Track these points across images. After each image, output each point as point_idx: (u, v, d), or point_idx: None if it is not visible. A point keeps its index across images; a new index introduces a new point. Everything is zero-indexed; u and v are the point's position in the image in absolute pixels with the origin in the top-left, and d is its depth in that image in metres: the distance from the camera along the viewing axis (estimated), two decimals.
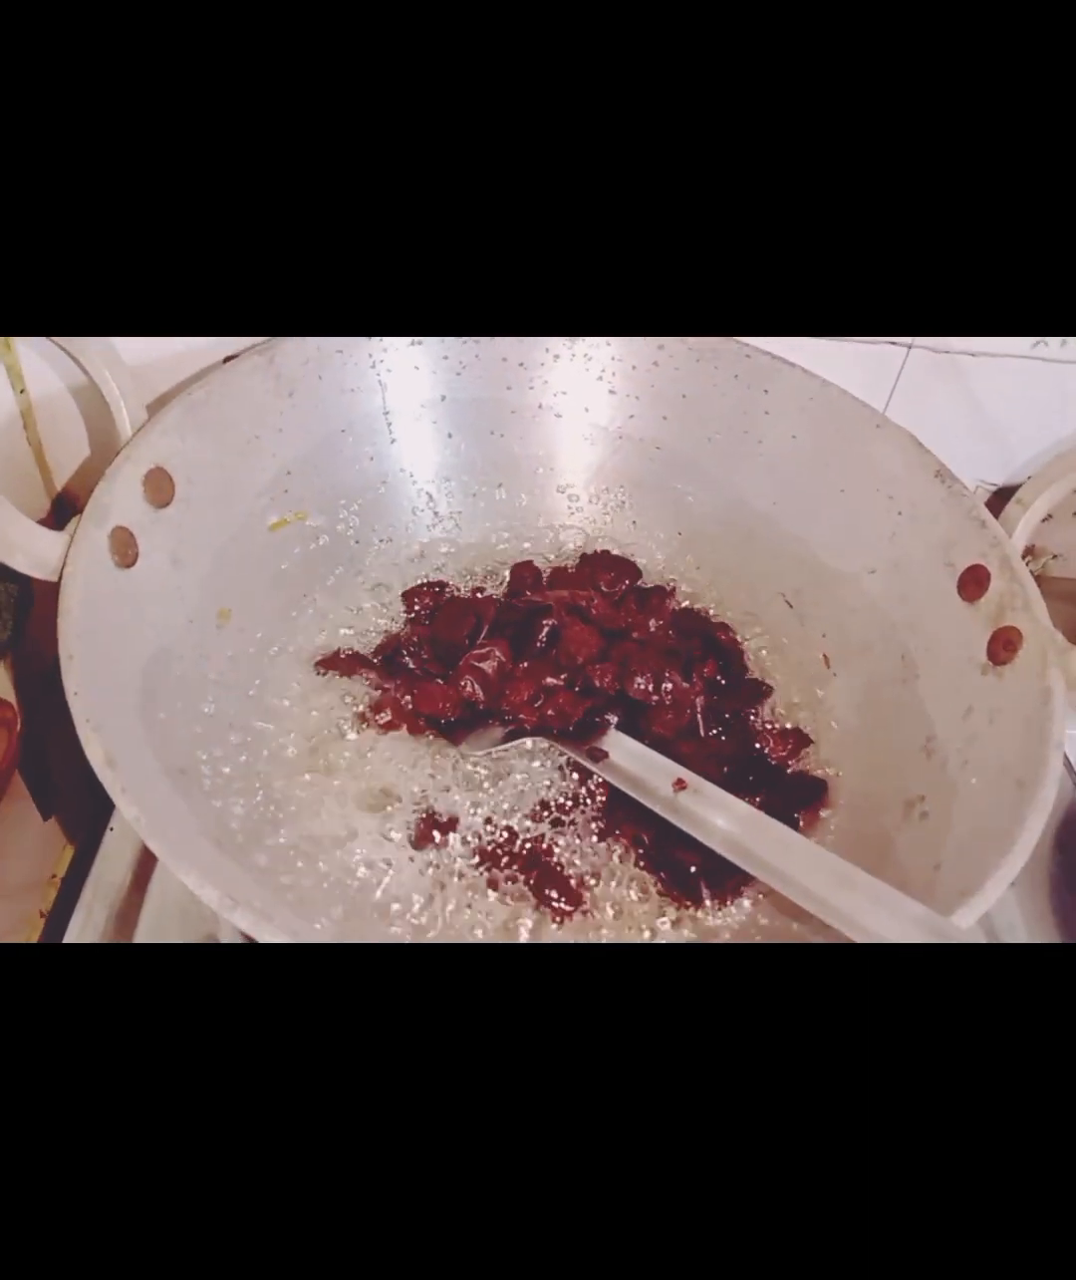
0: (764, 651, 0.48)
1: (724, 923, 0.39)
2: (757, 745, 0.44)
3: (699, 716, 0.44)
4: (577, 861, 0.40)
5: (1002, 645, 0.39)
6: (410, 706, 0.43)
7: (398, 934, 0.37)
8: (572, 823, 0.41)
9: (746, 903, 0.39)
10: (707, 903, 0.39)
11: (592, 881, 0.40)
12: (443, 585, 0.49)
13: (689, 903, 0.39)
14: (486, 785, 0.42)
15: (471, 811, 0.41)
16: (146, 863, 0.46)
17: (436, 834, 0.40)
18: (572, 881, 0.39)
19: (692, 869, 0.39)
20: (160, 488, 0.40)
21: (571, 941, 0.38)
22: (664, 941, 0.38)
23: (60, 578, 0.35)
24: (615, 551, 0.52)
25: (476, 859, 0.40)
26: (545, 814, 0.41)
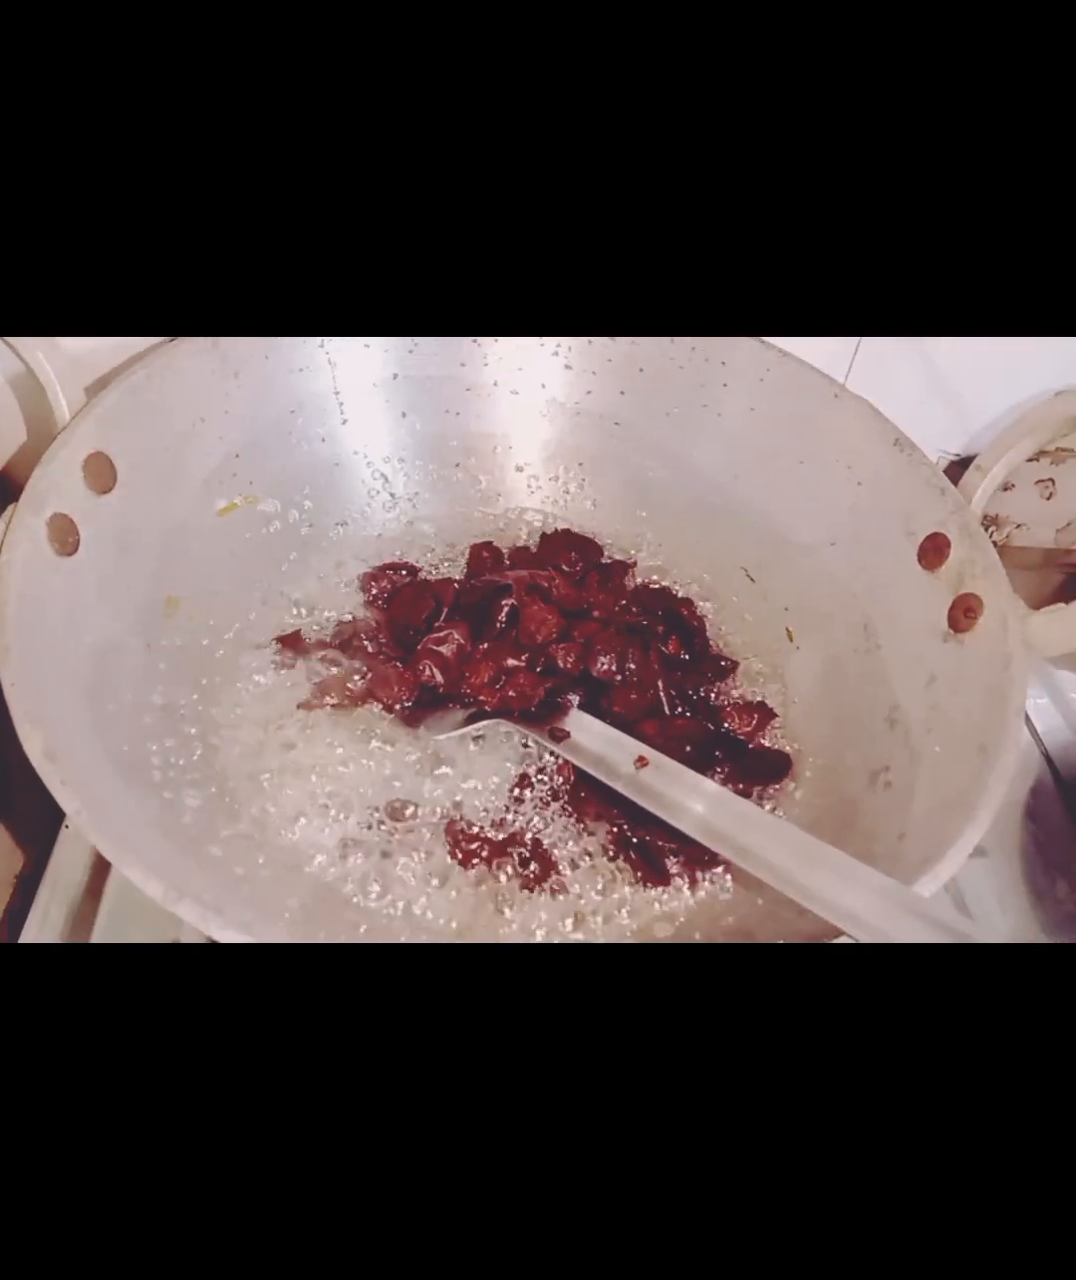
0: (726, 626, 0.48)
1: (689, 897, 0.38)
2: (724, 723, 0.43)
3: (662, 696, 0.44)
4: (542, 842, 0.39)
5: (963, 612, 0.38)
6: (364, 690, 0.43)
7: (358, 923, 0.36)
8: (537, 804, 0.41)
9: (712, 878, 0.39)
10: (675, 879, 0.39)
11: (560, 860, 0.39)
12: (401, 567, 0.48)
13: (655, 880, 0.38)
14: (447, 769, 0.41)
15: (433, 796, 0.40)
16: (104, 861, 0.45)
17: (397, 820, 0.39)
18: (536, 864, 0.39)
19: (658, 846, 0.39)
20: (100, 474, 0.39)
21: (538, 923, 0.37)
22: (628, 917, 0.38)
23: None
24: (575, 529, 0.51)
25: (439, 844, 0.39)
26: (508, 796, 0.41)
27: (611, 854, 0.39)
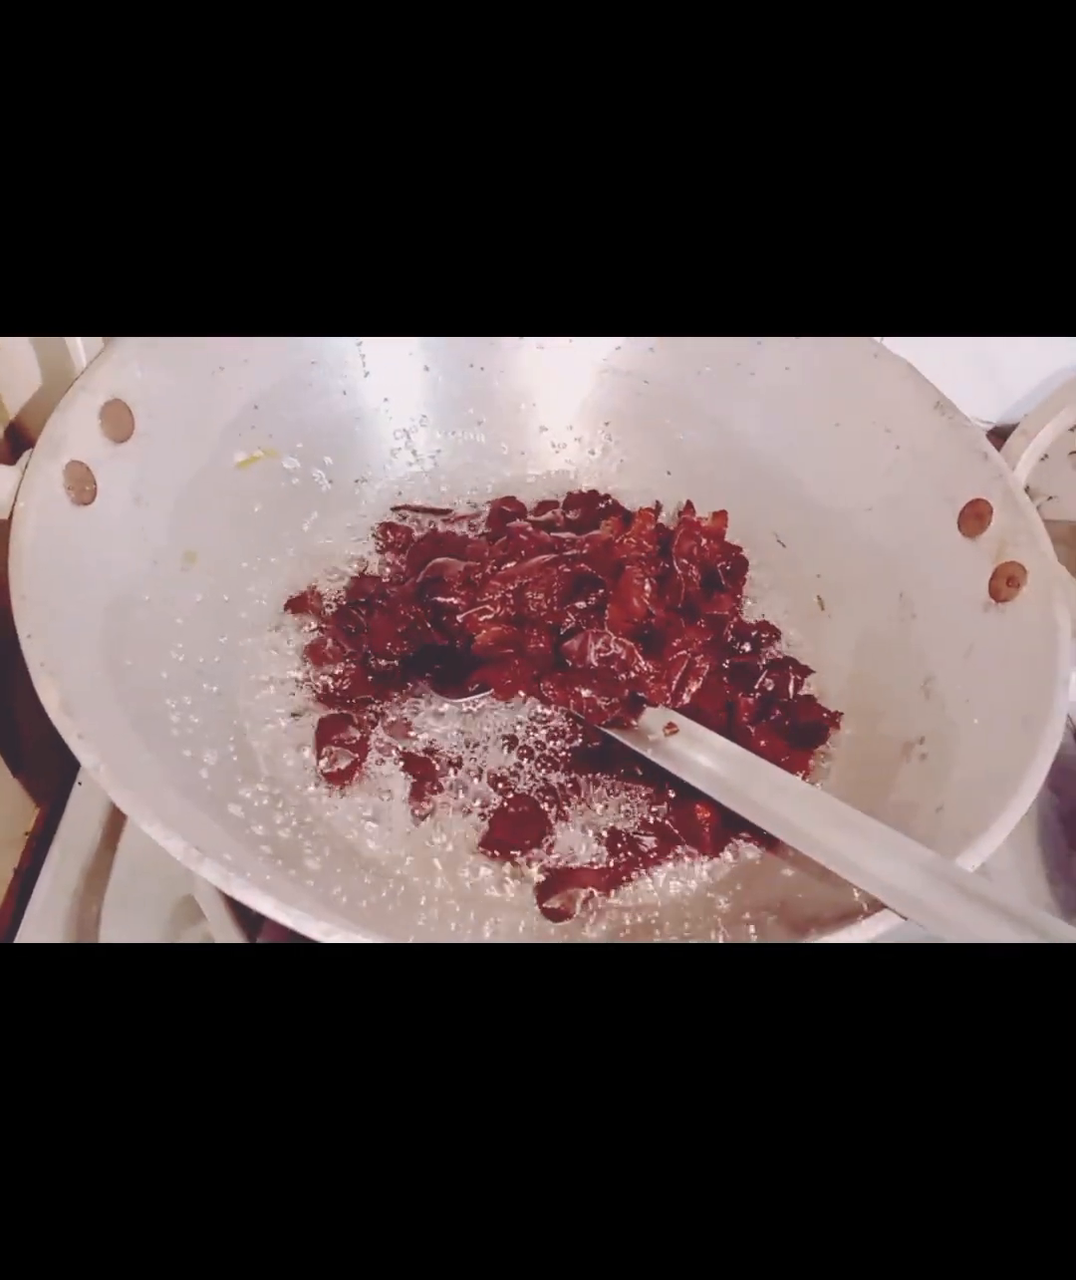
0: (755, 592, 0.47)
1: (715, 866, 0.38)
2: (768, 683, 0.42)
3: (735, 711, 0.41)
4: (563, 808, 0.39)
5: (1005, 581, 0.37)
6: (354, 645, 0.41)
7: (378, 887, 0.35)
8: (559, 768, 0.40)
9: (739, 848, 0.38)
10: (696, 851, 0.38)
11: (579, 829, 0.38)
12: (419, 510, 0.47)
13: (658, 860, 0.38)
14: (470, 730, 0.40)
15: (453, 757, 0.40)
16: (118, 817, 0.45)
17: (418, 781, 0.39)
18: (555, 833, 0.38)
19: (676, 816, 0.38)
20: (118, 421, 0.37)
21: (555, 897, 0.36)
22: (654, 886, 0.37)
23: (12, 514, 0.33)
24: (602, 490, 0.50)
25: (461, 807, 0.38)
26: (532, 760, 0.40)
27: (634, 821, 0.39)
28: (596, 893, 0.36)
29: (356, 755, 0.39)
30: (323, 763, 0.38)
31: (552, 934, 0.35)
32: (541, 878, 0.37)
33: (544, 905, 0.36)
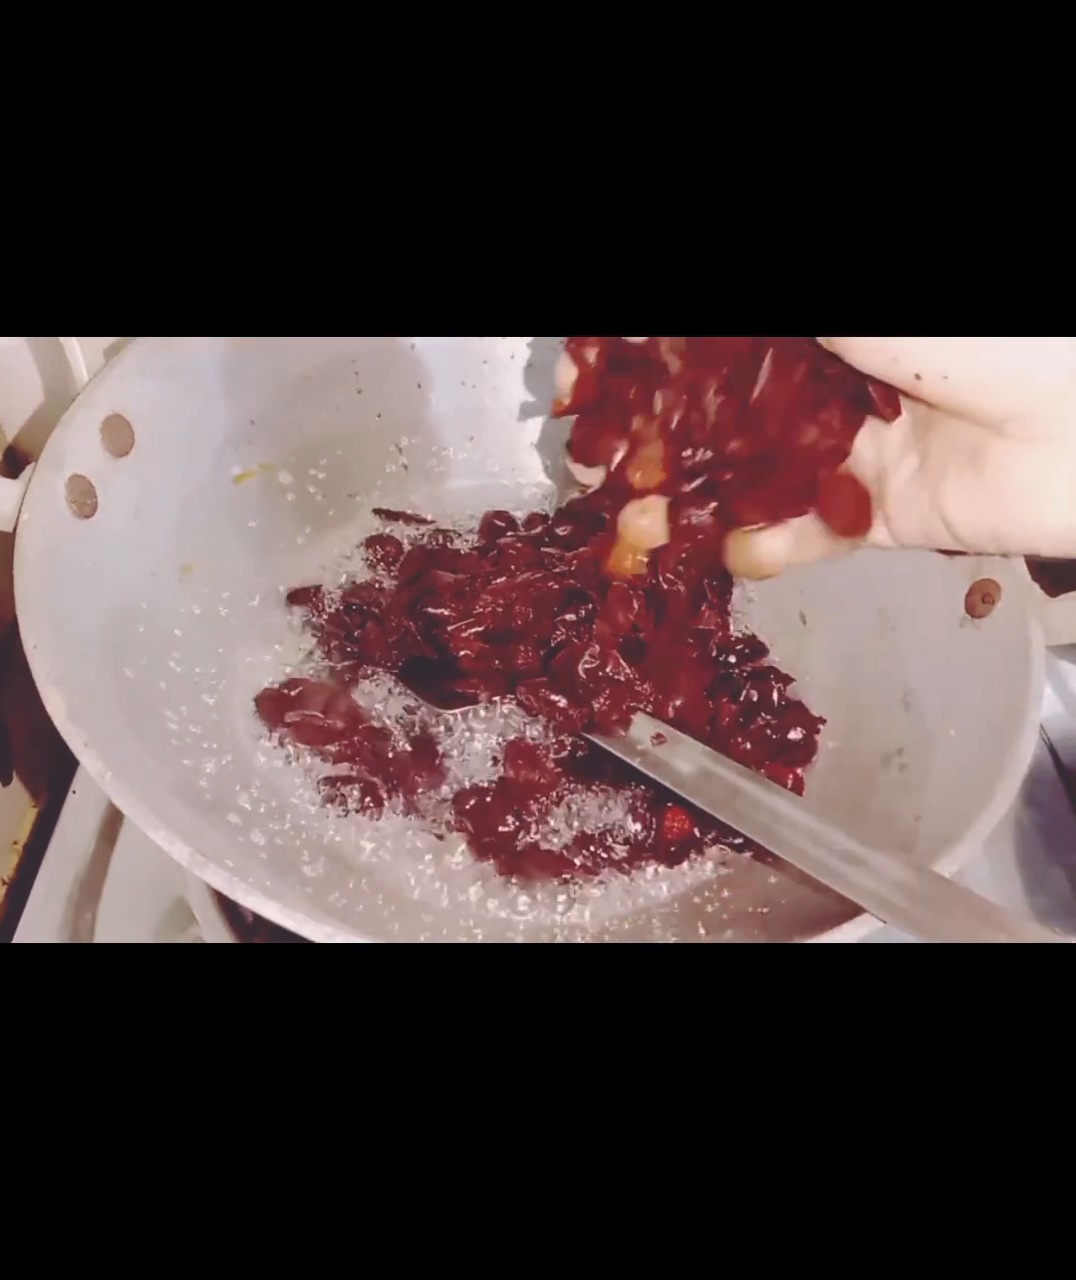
0: (738, 607, 0.48)
1: (699, 869, 0.39)
2: (751, 694, 0.43)
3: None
4: (550, 814, 0.39)
5: (980, 598, 0.39)
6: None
7: (374, 894, 0.36)
8: (548, 774, 0.41)
9: (723, 853, 0.39)
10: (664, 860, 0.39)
11: (564, 832, 0.39)
12: (408, 518, 0.49)
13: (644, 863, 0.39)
14: (460, 738, 0.41)
15: (443, 766, 0.40)
16: (111, 825, 0.46)
17: (409, 791, 0.39)
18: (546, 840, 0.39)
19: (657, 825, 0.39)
20: (119, 436, 0.38)
21: (542, 899, 0.37)
22: (637, 888, 0.38)
23: (15, 527, 0.34)
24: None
25: (452, 814, 0.39)
26: (522, 768, 0.41)
27: (615, 828, 0.40)
28: (561, 881, 0.37)
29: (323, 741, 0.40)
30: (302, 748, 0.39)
31: (544, 938, 0.36)
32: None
33: (501, 873, 0.37)
